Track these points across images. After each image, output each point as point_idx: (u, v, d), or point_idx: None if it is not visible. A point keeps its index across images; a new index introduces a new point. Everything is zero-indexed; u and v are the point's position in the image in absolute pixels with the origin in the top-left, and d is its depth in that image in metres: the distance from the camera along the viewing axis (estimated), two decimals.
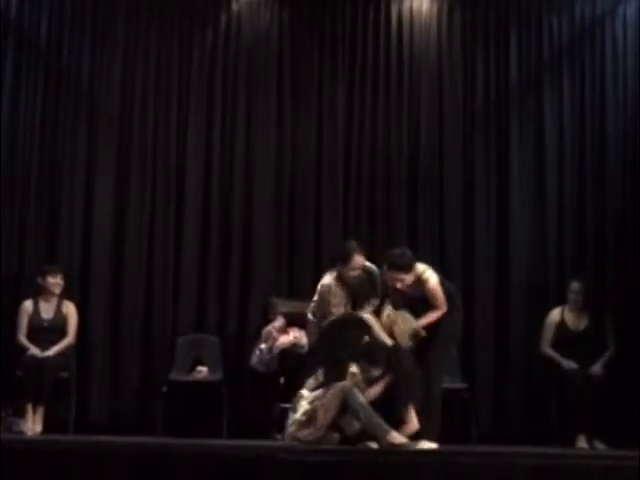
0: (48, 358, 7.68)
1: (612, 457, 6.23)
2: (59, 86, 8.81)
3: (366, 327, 6.53)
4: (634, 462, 5.31)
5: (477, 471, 5.31)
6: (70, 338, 7.96)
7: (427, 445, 6.34)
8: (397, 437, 6.13)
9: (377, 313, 6.67)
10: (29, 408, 7.54)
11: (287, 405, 6.90)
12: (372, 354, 6.42)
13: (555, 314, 8.06)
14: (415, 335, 6.46)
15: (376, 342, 6.53)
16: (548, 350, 7.96)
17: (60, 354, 7.81)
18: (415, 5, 9.01)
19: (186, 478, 5.21)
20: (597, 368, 7.75)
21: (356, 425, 6.19)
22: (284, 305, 8.22)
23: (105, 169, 8.73)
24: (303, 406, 6.28)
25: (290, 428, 6.31)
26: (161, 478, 5.18)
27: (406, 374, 6.39)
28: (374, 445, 6.16)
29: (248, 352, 8.22)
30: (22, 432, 7.48)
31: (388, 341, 6.49)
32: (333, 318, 6.76)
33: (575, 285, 7.99)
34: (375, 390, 6.38)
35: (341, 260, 6.82)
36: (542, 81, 8.90)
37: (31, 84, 8.74)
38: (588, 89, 8.87)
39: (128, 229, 8.70)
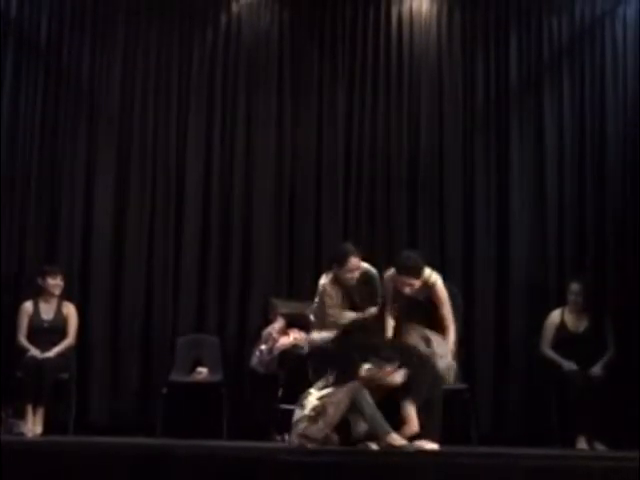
0: (48, 359, 7.68)
1: (612, 458, 6.23)
2: (59, 86, 8.82)
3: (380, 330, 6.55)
4: (634, 463, 5.31)
5: (477, 472, 5.31)
6: (70, 339, 7.96)
7: (428, 446, 6.35)
8: (397, 439, 6.14)
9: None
10: (29, 409, 7.54)
11: (287, 406, 6.90)
12: (386, 351, 6.43)
13: (555, 315, 8.05)
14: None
15: (389, 341, 6.54)
16: (548, 351, 7.95)
17: (60, 355, 7.81)
18: (415, 5, 9.01)
19: (186, 479, 5.22)
20: (597, 369, 7.75)
21: (363, 426, 6.19)
22: (284, 306, 8.23)
23: (105, 169, 8.73)
24: (312, 402, 6.27)
25: (299, 425, 6.27)
26: (161, 479, 5.19)
27: (416, 374, 6.41)
28: (374, 446, 6.16)
29: (248, 353, 8.22)
30: (22, 433, 7.48)
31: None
32: (346, 324, 6.78)
33: (575, 286, 7.99)
34: (400, 375, 6.37)
35: (337, 262, 6.83)
36: (542, 81, 8.90)
37: (31, 84, 8.74)
38: (588, 89, 8.86)
39: (128, 229, 8.70)
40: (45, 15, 8.83)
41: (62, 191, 8.67)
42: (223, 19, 8.99)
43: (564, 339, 7.93)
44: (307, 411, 6.25)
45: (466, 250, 8.72)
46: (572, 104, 8.85)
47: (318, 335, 6.92)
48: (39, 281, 7.98)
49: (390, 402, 6.32)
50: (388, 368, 6.36)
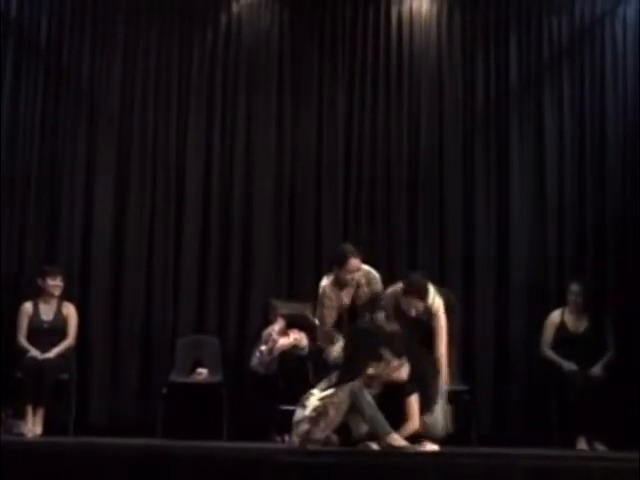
0: (48, 360, 7.68)
1: (612, 459, 6.23)
2: (59, 86, 8.81)
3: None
4: (634, 464, 5.31)
5: (477, 473, 5.31)
6: (70, 340, 7.96)
7: (428, 446, 6.35)
8: (397, 439, 6.15)
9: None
10: (29, 410, 7.54)
11: (287, 407, 6.90)
12: (396, 344, 6.43)
13: (555, 316, 8.05)
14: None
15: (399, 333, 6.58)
16: (548, 352, 7.95)
17: (60, 356, 7.81)
18: (415, 6, 9.01)
19: None
20: (597, 370, 7.75)
21: (364, 427, 6.19)
22: (284, 307, 8.22)
23: (105, 169, 8.73)
24: (313, 402, 6.27)
25: (300, 426, 6.27)
26: None
27: (421, 371, 6.42)
28: (374, 446, 6.16)
29: (248, 354, 8.22)
30: (22, 434, 7.48)
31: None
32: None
33: (575, 287, 7.99)
34: (405, 370, 6.38)
35: (337, 263, 6.82)
36: (542, 81, 8.89)
37: (31, 84, 8.74)
38: (588, 90, 8.86)
39: (128, 229, 8.70)
40: (45, 15, 8.82)
41: (62, 191, 8.67)
42: (223, 19, 8.99)
43: (564, 339, 7.93)
44: (308, 412, 6.24)
45: (466, 250, 8.72)
46: (572, 104, 8.85)
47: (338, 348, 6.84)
48: (39, 282, 7.98)
49: (390, 401, 6.33)
50: (395, 363, 6.36)
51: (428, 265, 8.56)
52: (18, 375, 7.67)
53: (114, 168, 8.75)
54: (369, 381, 6.32)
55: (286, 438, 7.20)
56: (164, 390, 8.08)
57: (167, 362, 8.39)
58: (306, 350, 7.90)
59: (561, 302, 8.15)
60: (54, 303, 8.01)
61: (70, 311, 8.03)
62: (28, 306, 7.99)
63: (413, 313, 6.57)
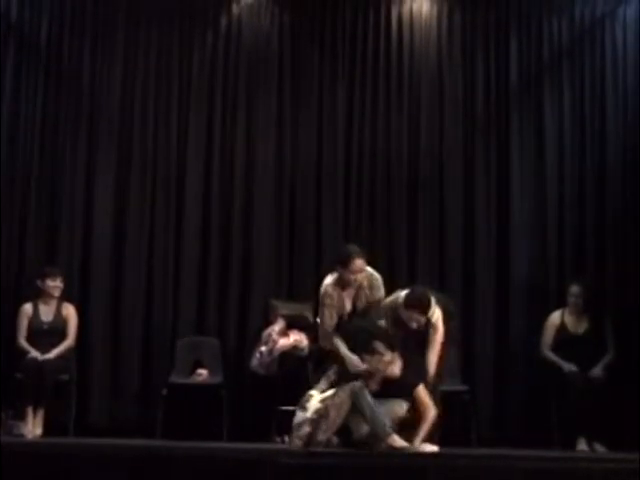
0: (48, 361, 7.67)
1: (612, 460, 6.24)
2: (59, 87, 8.81)
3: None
4: (634, 465, 5.32)
5: (477, 474, 5.33)
6: (70, 340, 7.95)
7: (428, 448, 6.35)
8: (398, 440, 6.16)
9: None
10: (29, 411, 7.53)
11: (287, 408, 6.89)
12: (389, 338, 6.46)
13: (555, 317, 8.05)
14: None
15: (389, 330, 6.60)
16: (548, 353, 7.95)
17: (60, 357, 7.80)
18: (415, 7, 9.00)
19: None
20: (597, 371, 7.74)
21: (364, 428, 6.19)
22: (284, 307, 8.23)
23: (105, 169, 8.73)
24: (314, 405, 6.27)
25: (302, 429, 6.26)
26: None
27: (413, 359, 6.48)
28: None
29: (248, 355, 8.22)
30: (22, 435, 7.47)
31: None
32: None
33: (575, 288, 7.99)
34: (397, 366, 6.40)
35: (341, 263, 6.81)
36: (542, 82, 8.89)
37: (31, 85, 8.74)
38: (588, 90, 8.86)
39: (128, 230, 8.69)
40: (45, 16, 8.82)
41: (62, 191, 8.67)
42: (223, 21, 8.99)
43: (564, 341, 7.93)
44: (309, 414, 6.24)
45: (466, 250, 8.72)
46: (572, 105, 8.85)
47: (344, 349, 6.82)
48: (38, 283, 7.97)
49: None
50: (388, 356, 6.37)
51: (428, 265, 8.60)
52: (18, 376, 7.66)
53: (114, 169, 8.75)
54: (366, 378, 6.33)
55: (286, 439, 7.20)
56: (164, 391, 8.07)
57: (167, 363, 8.38)
58: (306, 351, 7.90)
59: (561, 302, 8.15)
60: (54, 304, 8.00)
61: (70, 312, 8.03)
62: (28, 307, 7.98)
63: (414, 326, 6.58)
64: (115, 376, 8.47)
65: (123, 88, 8.86)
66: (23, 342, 7.86)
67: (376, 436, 6.18)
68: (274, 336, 7.98)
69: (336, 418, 6.17)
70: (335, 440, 6.24)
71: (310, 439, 6.20)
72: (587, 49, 8.91)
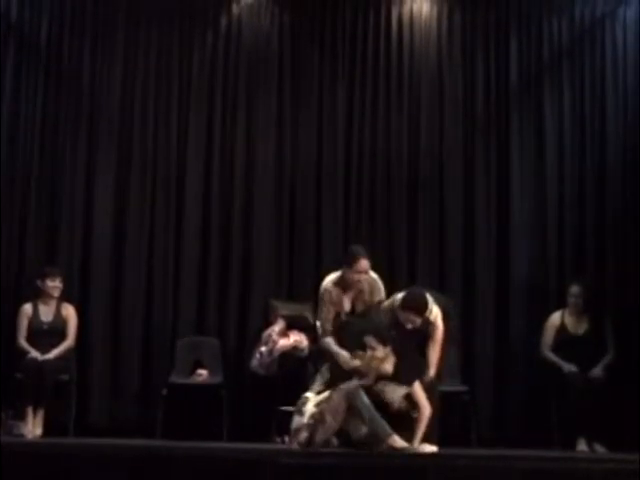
0: (48, 361, 7.68)
1: (612, 460, 6.24)
2: (59, 87, 8.81)
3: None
4: (634, 465, 5.32)
5: (477, 474, 5.33)
6: (70, 341, 7.96)
7: (427, 448, 6.35)
8: (398, 441, 6.16)
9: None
10: (29, 411, 7.54)
11: (287, 408, 6.89)
12: (381, 333, 6.47)
13: (555, 317, 8.06)
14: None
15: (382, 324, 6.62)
16: (548, 353, 7.96)
17: (60, 357, 7.81)
18: (415, 7, 9.00)
19: None
20: (597, 371, 7.75)
21: (363, 429, 6.19)
22: (284, 308, 8.23)
23: (105, 170, 8.73)
24: (310, 409, 6.27)
25: (300, 434, 6.25)
26: None
27: (409, 356, 6.48)
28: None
29: (248, 355, 8.21)
30: (22, 435, 7.48)
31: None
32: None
33: (575, 288, 8.00)
34: (390, 363, 6.40)
35: (346, 262, 6.82)
36: (542, 83, 8.89)
37: (31, 85, 8.74)
38: (588, 90, 8.86)
39: (128, 230, 8.69)
40: (45, 17, 8.82)
41: (62, 191, 8.67)
42: (223, 21, 8.98)
43: (564, 341, 7.93)
44: (306, 419, 6.23)
45: (466, 250, 8.72)
46: (572, 105, 8.85)
47: (335, 346, 6.82)
48: (38, 283, 7.98)
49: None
50: (380, 351, 6.37)
51: (428, 265, 8.60)
52: (18, 376, 7.66)
53: (114, 169, 8.75)
54: (360, 375, 6.34)
55: (286, 439, 7.20)
56: (164, 391, 8.07)
57: (167, 363, 8.39)
58: (306, 351, 7.90)
59: (561, 302, 8.15)
60: (54, 304, 8.01)
61: (70, 312, 8.03)
62: (28, 307, 7.98)
63: (409, 327, 6.58)
64: (115, 376, 8.47)
65: (123, 88, 8.86)
66: (23, 342, 7.86)
67: (376, 437, 6.18)
68: (274, 336, 7.98)
69: (332, 422, 6.17)
70: (335, 441, 6.23)
71: (309, 444, 6.20)
72: (587, 49, 8.91)
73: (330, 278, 6.95)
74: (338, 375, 6.48)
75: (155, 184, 8.77)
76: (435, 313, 6.59)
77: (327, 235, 8.70)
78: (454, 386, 7.87)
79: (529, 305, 8.55)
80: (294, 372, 7.73)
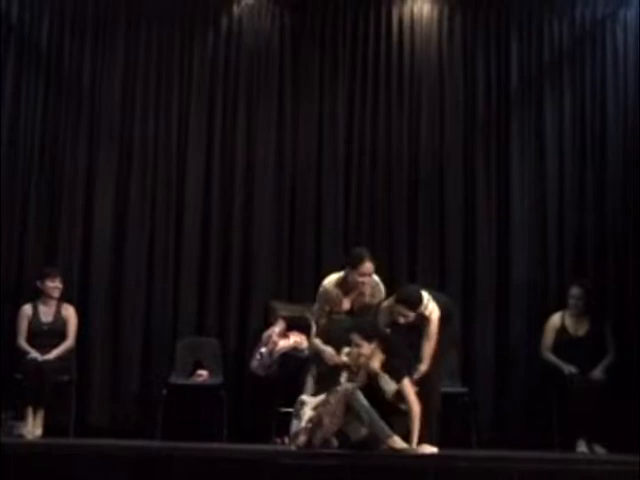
0: (48, 361, 7.68)
1: (612, 462, 6.25)
2: (60, 90, 8.80)
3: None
4: (634, 467, 5.33)
5: (477, 475, 5.33)
6: (70, 341, 7.96)
7: (427, 449, 6.35)
8: (398, 442, 6.15)
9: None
10: (29, 411, 7.54)
11: (287, 409, 6.89)
12: (366, 329, 6.48)
13: (555, 319, 8.06)
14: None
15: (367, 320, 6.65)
16: (548, 355, 7.96)
17: (60, 357, 7.81)
18: (416, 8, 9.00)
19: None
20: (597, 373, 7.75)
21: (362, 431, 6.19)
22: (284, 309, 8.22)
23: (106, 171, 8.72)
24: (307, 413, 6.26)
25: (299, 439, 6.24)
26: None
27: (399, 352, 6.49)
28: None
29: (248, 356, 8.21)
30: (22, 435, 7.47)
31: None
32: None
33: (575, 290, 7.99)
34: (377, 360, 6.42)
35: (351, 264, 6.82)
36: (543, 84, 8.90)
37: (32, 88, 8.73)
38: (589, 92, 8.86)
39: (128, 231, 8.68)
40: (46, 19, 8.82)
41: (62, 193, 8.66)
42: (224, 21, 8.98)
43: (564, 343, 7.93)
44: (304, 423, 6.23)
45: (466, 251, 8.71)
46: (573, 106, 8.86)
47: (321, 344, 6.84)
48: (38, 284, 7.98)
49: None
50: (366, 347, 6.38)
51: (428, 266, 8.58)
52: (18, 377, 7.66)
53: (115, 170, 8.75)
54: (347, 372, 6.35)
55: (286, 440, 7.20)
56: (164, 392, 8.07)
57: (167, 364, 8.37)
58: (306, 352, 7.88)
59: (561, 303, 8.15)
60: (53, 305, 8.01)
61: (70, 313, 8.03)
62: (27, 308, 7.98)
63: (401, 321, 6.59)
64: (115, 377, 8.47)
65: (123, 89, 8.86)
66: (23, 343, 7.86)
67: (375, 438, 6.18)
68: (274, 337, 7.98)
69: (330, 425, 6.16)
70: (335, 442, 6.23)
71: (307, 447, 6.19)
72: (588, 51, 8.91)
73: (331, 279, 6.95)
74: (326, 373, 6.49)
75: (155, 185, 8.77)
76: (431, 309, 6.59)
77: (327, 235, 8.69)
78: (454, 387, 7.87)
79: (529, 306, 8.55)
80: (294, 373, 7.72)
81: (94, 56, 8.84)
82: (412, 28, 8.97)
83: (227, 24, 8.98)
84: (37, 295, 8.02)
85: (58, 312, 8.00)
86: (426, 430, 6.44)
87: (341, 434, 6.24)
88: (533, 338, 8.17)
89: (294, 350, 7.93)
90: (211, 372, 8.26)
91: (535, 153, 8.81)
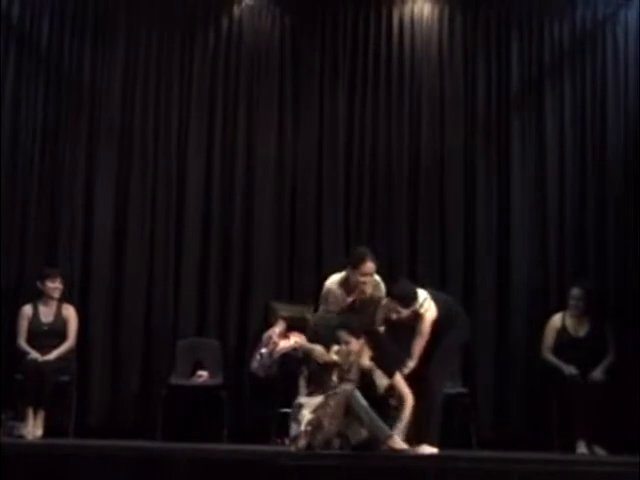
0: (48, 362, 7.68)
1: (612, 463, 6.26)
2: (60, 89, 8.81)
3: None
4: (634, 468, 5.32)
5: (477, 476, 5.33)
6: (70, 342, 7.96)
7: (428, 450, 6.35)
8: (398, 442, 6.15)
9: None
10: (29, 412, 7.54)
11: (287, 410, 6.89)
12: (353, 325, 6.49)
13: (556, 320, 8.06)
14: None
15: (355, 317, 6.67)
16: (549, 356, 7.95)
17: (60, 358, 7.81)
18: (416, 9, 9.00)
19: None
20: (597, 374, 7.74)
21: (363, 433, 6.18)
22: (285, 309, 8.22)
23: (106, 171, 8.73)
24: (306, 416, 6.25)
25: (299, 442, 6.24)
26: None
27: (387, 348, 6.51)
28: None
29: (248, 356, 8.21)
30: (22, 436, 7.48)
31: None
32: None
33: (576, 291, 7.99)
34: (366, 356, 6.45)
35: (352, 263, 6.82)
36: (543, 85, 8.89)
37: (32, 87, 8.74)
38: (589, 93, 8.86)
39: (129, 232, 8.69)
40: (46, 18, 8.82)
41: (63, 193, 8.66)
42: (224, 22, 8.99)
43: (565, 343, 7.93)
44: (303, 426, 6.22)
45: (467, 252, 8.71)
46: (573, 107, 8.85)
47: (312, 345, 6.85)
48: (38, 284, 7.98)
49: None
50: (354, 343, 6.38)
51: (429, 267, 8.58)
52: (18, 377, 7.67)
53: (115, 171, 8.75)
54: (340, 372, 6.35)
55: (286, 441, 7.20)
56: (164, 392, 8.07)
57: (167, 364, 8.38)
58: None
59: (562, 304, 8.15)
60: (54, 305, 8.01)
61: (70, 313, 8.04)
62: (28, 309, 7.99)
63: (393, 317, 6.59)
64: (115, 377, 8.47)
65: (124, 89, 8.86)
66: (23, 343, 7.86)
67: (376, 438, 6.18)
68: (274, 338, 7.98)
69: (330, 426, 6.15)
70: (336, 442, 6.23)
71: (308, 450, 6.19)
72: (588, 51, 8.91)
73: (334, 279, 6.96)
74: (317, 372, 6.49)
75: (155, 185, 8.77)
76: (426, 308, 6.58)
77: (328, 236, 8.70)
78: (454, 388, 7.86)
79: (529, 307, 8.55)
80: (294, 374, 7.72)
81: (94, 56, 8.85)
82: (412, 29, 8.97)
83: (227, 25, 8.99)
84: (37, 296, 8.02)
85: (58, 312, 8.00)
86: (427, 431, 6.45)
87: (342, 436, 6.23)
88: (533, 339, 8.16)
89: (294, 351, 7.92)
90: (211, 373, 8.27)
91: (535, 154, 8.81)
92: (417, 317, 6.57)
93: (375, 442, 6.18)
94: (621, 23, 8.87)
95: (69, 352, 7.95)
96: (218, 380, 8.22)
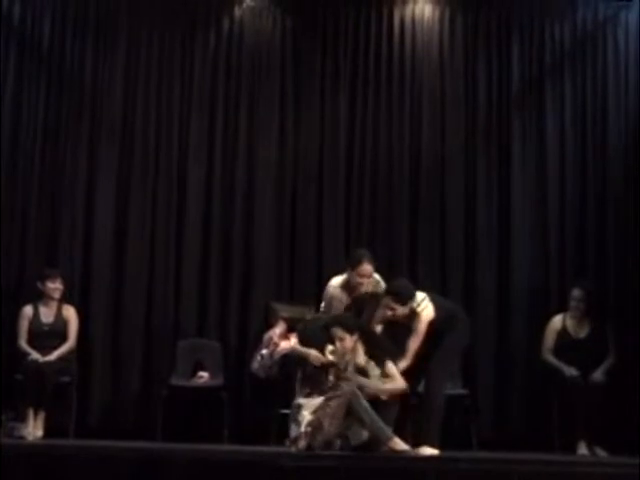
0: (49, 363, 7.68)
1: (612, 464, 6.26)
2: (61, 90, 8.81)
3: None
4: (634, 469, 5.32)
5: (477, 477, 5.33)
6: (71, 342, 7.96)
7: (428, 451, 6.35)
8: (399, 443, 6.14)
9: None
10: (30, 413, 7.54)
11: (288, 411, 6.90)
12: (343, 322, 6.50)
13: (556, 321, 8.06)
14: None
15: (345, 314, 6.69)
16: (549, 357, 7.95)
17: (61, 358, 7.81)
18: (417, 10, 9.00)
19: None
20: (598, 375, 7.74)
21: (363, 435, 6.18)
22: (285, 310, 8.21)
23: (107, 172, 8.73)
24: (306, 417, 6.24)
25: (299, 443, 6.23)
26: None
27: (379, 343, 6.55)
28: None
29: (249, 357, 8.21)
30: (23, 437, 7.47)
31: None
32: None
33: (577, 292, 7.99)
34: (361, 353, 6.46)
35: (351, 265, 6.84)
36: (544, 86, 8.90)
37: (33, 87, 8.75)
38: (590, 94, 8.87)
39: (129, 233, 8.69)
40: (48, 19, 8.83)
41: (63, 194, 8.66)
42: (225, 23, 8.99)
43: (565, 345, 7.93)
44: (303, 428, 6.21)
45: (467, 252, 8.71)
46: (574, 108, 8.86)
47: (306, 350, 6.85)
48: (39, 285, 7.98)
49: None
50: (348, 341, 6.38)
51: (429, 267, 8.58)
52: (19, 378, 7.66)
53: (116, 171, 8.75)
54: (337, 371, 6.35)
55: (287, 442, 7.19)
56: (165, 393, 8.07)
57: (168, 365, 8.38)
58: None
59: (562, 305, 8.16)
60: (54, 306, 8.01)
61: (70, 314, 8.03)
62: (28, 309, 7.99)
63: (389, 314, 6.59)
64: (116, 378, 8.47)
65: (125, 90, 8.86)
66: (24, 344, 7.86)
67: (377, 440, 6.17)
68: (275, 339, 7.97)
69: (330, 428, 6.15)
70: (337, 443, 6.22)
71: (308, 451, 6.19)
72: (589, 53, 8.93)
73: (336, 281, 6.97)
74: (312, 373, 6.49)
75: (156, 186, 8.77)
76: (423, 307, 6.58)
77: (328, 237, 8.70)
78: (455, 389, 7.86)
79: (530, 308, 8.56)
80: (295, 375, 7.72)
81: (95, 56, 8.85)
82: (413, 30, 8.98)
83: (228, 25, 8.99)
84: (38, 296, 8.02)
85: (59, 313, 8.00)
86: (427, 432, 6.45)
87: (342, 436, 6.23)
88: (534, 340, 8.16)
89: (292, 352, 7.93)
90: (212, 373, 8.27)
91: (536, 155, 8.82)
92: (414, 316, 6.57)
93: (376, 443, 6.18)
94: (621, 24, 8.89)
95: (69, 353, 7.95)
96: (218, 381, 8.22)
